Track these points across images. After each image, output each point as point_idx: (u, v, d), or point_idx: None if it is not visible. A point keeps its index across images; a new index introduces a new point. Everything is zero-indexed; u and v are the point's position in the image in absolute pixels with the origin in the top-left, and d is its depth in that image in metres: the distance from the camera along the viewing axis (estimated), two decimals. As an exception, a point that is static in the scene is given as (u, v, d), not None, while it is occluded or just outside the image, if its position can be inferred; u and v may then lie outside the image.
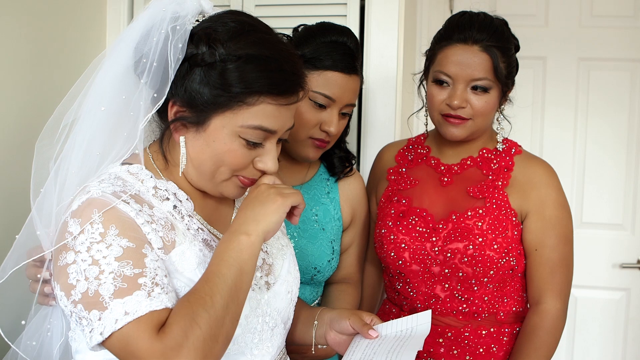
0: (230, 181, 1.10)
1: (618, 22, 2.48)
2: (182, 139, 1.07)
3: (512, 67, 1.56)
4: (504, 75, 1.52)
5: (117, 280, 0.93)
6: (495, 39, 1.50)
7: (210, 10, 1.09)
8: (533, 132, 2.56)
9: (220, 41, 1.03)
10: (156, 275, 0.96)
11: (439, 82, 1.53)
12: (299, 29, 1.59)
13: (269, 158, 1.09)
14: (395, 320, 1.19)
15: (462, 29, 1.51)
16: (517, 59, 1.59)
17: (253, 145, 1.06)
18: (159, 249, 1.00)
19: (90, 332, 0.93)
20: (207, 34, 1.04)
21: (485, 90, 1.51)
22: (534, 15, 2.54)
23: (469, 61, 1.49)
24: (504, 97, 1.57)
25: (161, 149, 1.11)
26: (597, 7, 2.50)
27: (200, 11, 1.08)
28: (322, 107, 1.50)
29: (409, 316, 1.20)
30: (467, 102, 1.51)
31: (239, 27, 1.05)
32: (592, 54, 2.50)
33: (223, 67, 1.02)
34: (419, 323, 1.17)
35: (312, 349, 1.27)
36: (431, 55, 1.58)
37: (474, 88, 1.50)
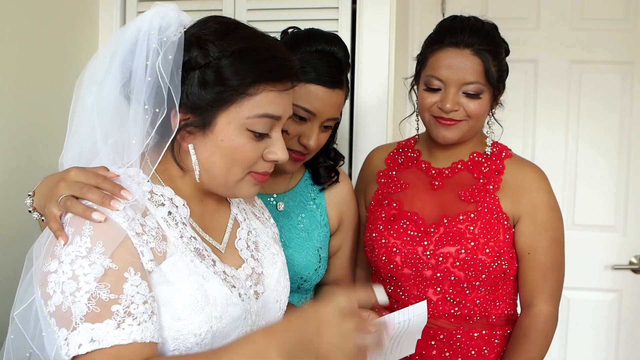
0: (244, 181, 1.11)
1: (609, 24, 2.49)
2: (190, 146, 1.08)
3: (503, 71, 1.56)
4: (495, 79, 1.52)
5: (91, 302, 0.93)
6: (486, 42, 1.51)
7: (189, 24, 1.11)
8: (525, 135, 2.57)
9: (210, 41, 1.05)
10: (132, 303, 0.95)
11: (431, 87, 1.53)
12: (288, 32, 1.57)
13: (278, 147, 1.11)
14: (392, 314, 1.21)
15: (453, 33, 1.51)
16: (507, 63, 1.59)
17: (260, 136, 1.08)
18: (150, 260, 1.00)
19: (59, 346, 0.94)
20: (197, 38, 1.06)
21: (477, 95, 1.51)
22: (526, 19, 2.54)
23: (460, 65, 1.49)
24: (495, 101, 1.57)
25: (174, 159, 1.11)
26: (588, 10, 2.50)
27: (181, 23, 1.09)
28: (302, 119, 1.47)
29: (405, 308, 1.21)
30: (460, 105, 1.51)
31: (224, 26, 1.08)
32: (583, 57, 2.51)
33: (218, 64, 1.04)
34: (416, 314, 1.18)
35: None
36: (422, 60, 1.57)
37: (466, 93, 1.50)
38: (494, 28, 1.57)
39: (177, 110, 1.04)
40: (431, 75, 1.53)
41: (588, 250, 2.54)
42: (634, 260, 2.52)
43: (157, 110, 1.03)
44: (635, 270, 2.52)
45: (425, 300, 1.24)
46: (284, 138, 1.44)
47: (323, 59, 1.47)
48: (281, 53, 1.10)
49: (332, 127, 1.54)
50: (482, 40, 1.50)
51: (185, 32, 1.07)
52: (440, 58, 1.51)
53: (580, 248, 2.51)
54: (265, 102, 1.06)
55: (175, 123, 1.06)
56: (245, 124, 1.06)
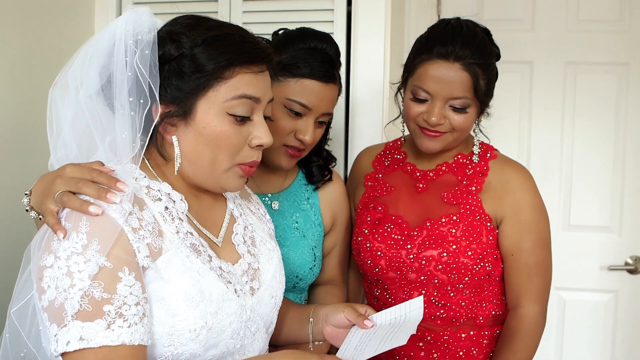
0: (230, 172, 1.12)
1: (604, 26, 2.49)
2: (174, 138, 1.09)
3: (492, 82, 1.53)
4: (483, 93, 1.49)
5: (84, 300, 0.94)
6: (477, 56, 1.46)
7: (161, 25, 1.13)
8: (520, 136, 2.57)
9: (182, 33, 1.09)
10: (124, 304, 0.96)
11: (418, 98, 1.50)
12: (279, 33, 1.58)
13: (261, 132, 1.12)
14: (389, 309, 1.22)
15: (443, 43, 1.45)
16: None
17: (242, 120, 1.09)
18: (146, 256, 1.01)
19: (48, 343, 0.95)
20: (169, 33, 1.09)
21: (463, 109, 1.48)
22: (521, 20, 2.54)
23: (449, 79, 1.45)
24: (481, 113, 1.55)
25: (158, 151, 1.13)
26: (584, 12, 2.50)
27: (153, 25, 1.11)
28: (298, 115, 1.48)
29: (401, 304, 1.22)
30: (446, 118, 1.49)
31: (194, 20, 1.12)
32: (578, 58, 2.51)
33: (192, 53, 1.07)
34: (412, 309, 1.19)
35: (310, 346, 1.28)
36: (411, 67, 1.53)
37: (453, 107, 1.48)
38: (486, 35, 1.53)
39: (158, 102, 1.06)
40: (418, 86, 1.49)
41: (584, 251, 2.54)
42: (630, 261, 2.52)
43: (141, 101, 1.05)
44: (631, 271, 2.52)
45: (422, 296, 1.23)
46: (281, 134, 1.47)
47: (316, 55, 1.49)
48: (251, 37, 1.13)
49: (326, 123, 1.56)
50: (474, 53, 1.45)
51: (158, 31, 1.10)
52: (428, 69, 1.47)
53: (576, 249, 2.52)
54: (241, 83, 1.08)
55: (157, 116, 1.07)
56: (225, 107, 1.08)
